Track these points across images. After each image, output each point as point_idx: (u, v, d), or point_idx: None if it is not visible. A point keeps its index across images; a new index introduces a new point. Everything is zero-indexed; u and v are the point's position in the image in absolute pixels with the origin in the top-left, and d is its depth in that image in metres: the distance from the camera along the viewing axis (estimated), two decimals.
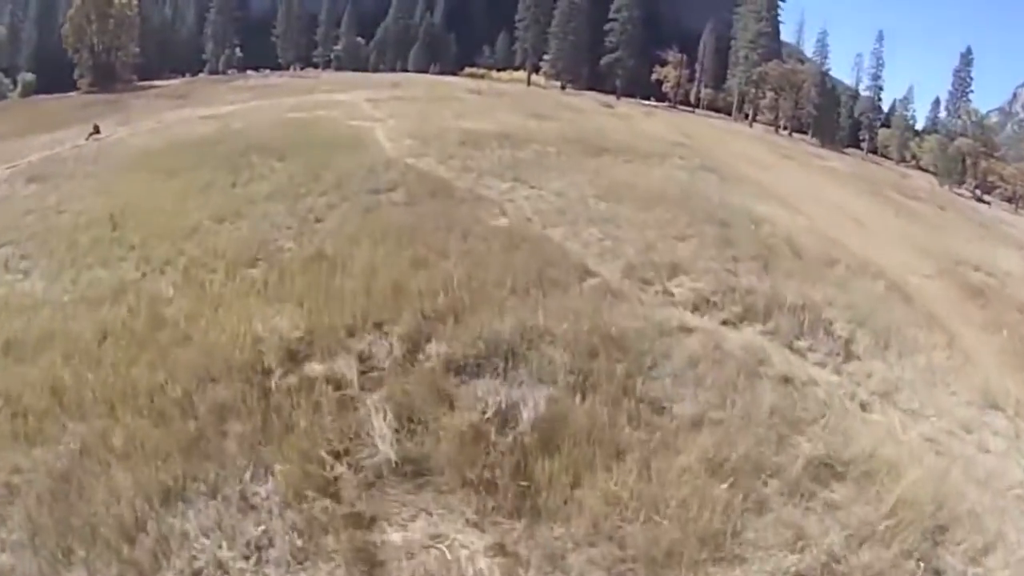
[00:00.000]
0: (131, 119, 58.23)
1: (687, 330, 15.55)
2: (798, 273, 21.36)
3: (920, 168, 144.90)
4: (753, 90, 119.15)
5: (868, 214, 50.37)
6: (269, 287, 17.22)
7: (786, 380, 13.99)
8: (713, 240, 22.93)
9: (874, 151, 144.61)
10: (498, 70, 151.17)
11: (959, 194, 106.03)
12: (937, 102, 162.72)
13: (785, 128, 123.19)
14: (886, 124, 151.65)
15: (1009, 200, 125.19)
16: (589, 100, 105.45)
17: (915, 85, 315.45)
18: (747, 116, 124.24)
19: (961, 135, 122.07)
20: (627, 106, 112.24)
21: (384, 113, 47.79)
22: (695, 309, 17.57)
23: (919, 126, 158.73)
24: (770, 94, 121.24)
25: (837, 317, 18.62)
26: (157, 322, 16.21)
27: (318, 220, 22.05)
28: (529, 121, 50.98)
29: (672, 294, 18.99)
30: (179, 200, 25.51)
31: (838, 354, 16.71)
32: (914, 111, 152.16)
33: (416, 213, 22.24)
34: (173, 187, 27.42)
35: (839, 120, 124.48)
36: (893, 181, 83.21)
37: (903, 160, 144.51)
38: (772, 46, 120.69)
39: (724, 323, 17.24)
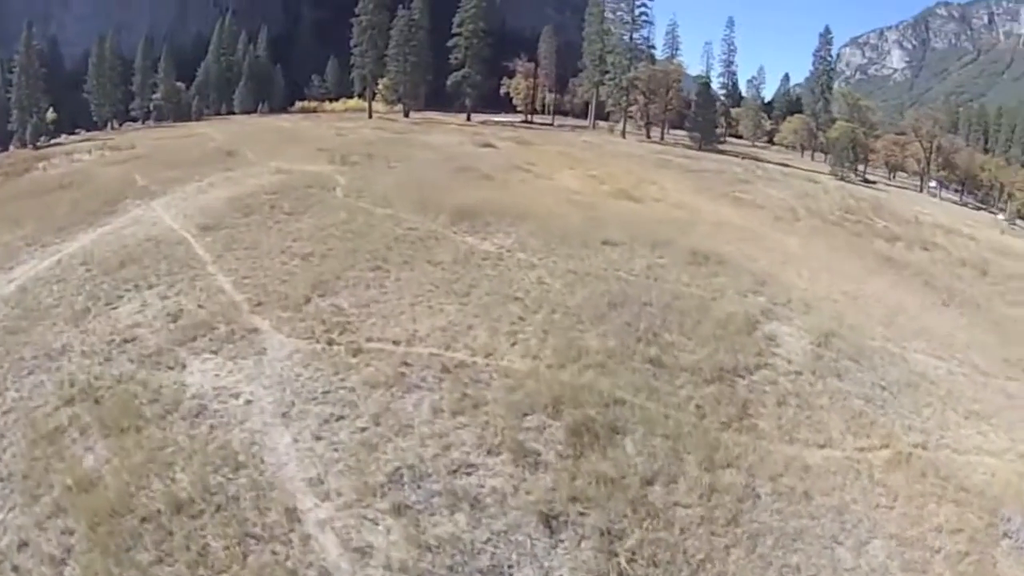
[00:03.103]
0: None
1: None
2: None
3: (772, 142, 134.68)
4: (625, 97, 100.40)
5: (961, 341, 34.39)
6: None
7: None
8: None
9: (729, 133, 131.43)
10: (331, 100, 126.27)
11: (850, 180, 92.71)
12: (787, 78, 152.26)
13: (650, 125, 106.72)
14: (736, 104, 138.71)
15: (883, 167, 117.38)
16: (454, 133, 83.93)
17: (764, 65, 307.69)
18: (617, 122, 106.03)
19: (844, 120, 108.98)
20: (489, 129, 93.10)
21: (235, 275, 27.25)
22: None
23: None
24: (640, 98, 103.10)
25: None
26: None
27: None
28: (483, 242, 33.18)
29: None
30: None
31: None
32: (757, 87, 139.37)
33: None
34: None
35: (716, 117, 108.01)
36: (841, 205, 66.30)
37: (756, 138, 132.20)
38: (639, 48, 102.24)
39: None
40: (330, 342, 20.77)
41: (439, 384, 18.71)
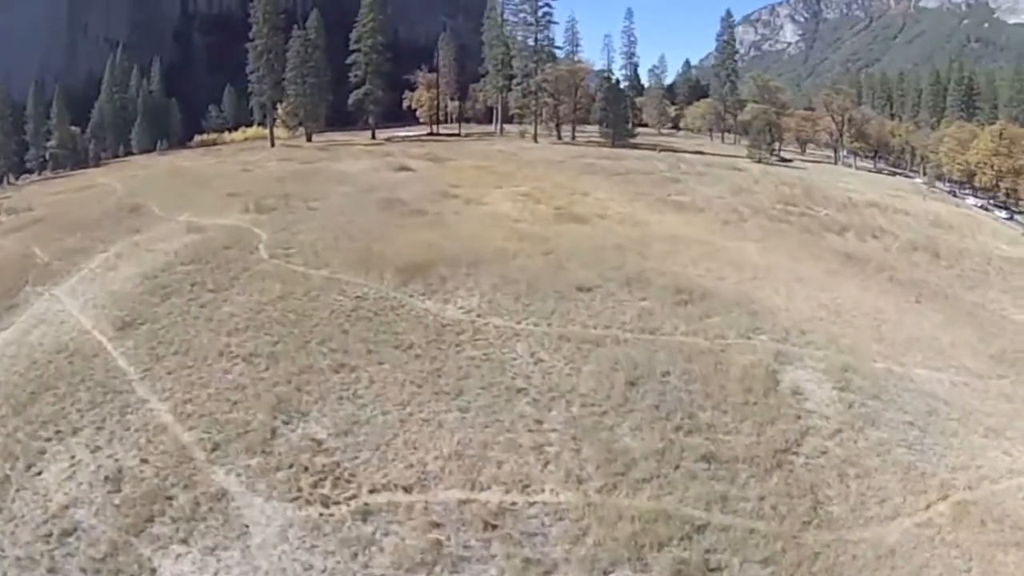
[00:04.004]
0: None
1: None
2: None
3: (677, 128, 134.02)
4: (534, 100, 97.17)
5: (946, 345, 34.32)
6: None
7: None
8: None
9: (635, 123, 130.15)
10: (230, 130, 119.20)
11: (768, 161, 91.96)
12: (687, 64, 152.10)
13: (560, 126, 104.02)
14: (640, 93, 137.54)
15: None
16: (365, 157, 78.76)
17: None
18: (527, 125, 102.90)
19: (753, 101, 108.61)
20: (398, 146, 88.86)
21: (173, 398, 23.32)
22: None
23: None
24: (549, 100, 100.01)
25: None
26: None
27: None
28: (446, 305, 29.54)
29: None
30: None
31: None
32: (659, 75, 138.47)
33: None
34: None
35: (626, 111, 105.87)
36: (776, 195, 64.84)
37: (661, 125, 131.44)
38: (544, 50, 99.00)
39: None
40: (325, 502, 16.65)
41: (488, 549, 15.03)
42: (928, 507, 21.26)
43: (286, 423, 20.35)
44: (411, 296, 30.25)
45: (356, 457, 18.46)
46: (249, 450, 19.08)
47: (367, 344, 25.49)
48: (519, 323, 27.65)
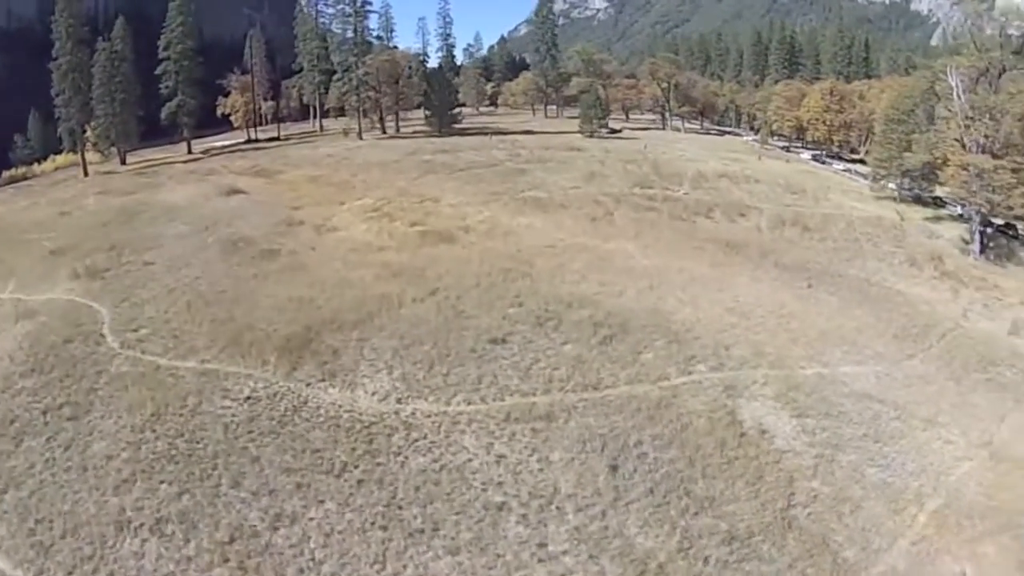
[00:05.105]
0: None
1: None
2: None
3: (495, 105, 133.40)
4: (356, 95, 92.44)
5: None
6: None
7: None
8: None
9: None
10: (39, 160, 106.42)
11: (600, 135, 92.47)
12: (503, 40, 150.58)
13: (384, 119, 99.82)
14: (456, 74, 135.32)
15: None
16: (189, 180, 71.66)
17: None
18: (348, 119, 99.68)
19: (577, 75, 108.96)
20: (219, 161, 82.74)
21: None
22: None
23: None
24: (372, 93, 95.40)
25: None
26: None
27: None
28: (354, 393, 26.98)
29: None
30: None
31: None
32: (472, 54, 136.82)
33: None
34: None
35: (453, 97, 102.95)
36: (628, 177, 64.66)
37: (479, 103, 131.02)
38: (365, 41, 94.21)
39: None
40: None
41: None
42: (912, 522, 22.41)
43: None
44: (308, 385, 26.59)
45: None
46: None
47: (292, 475, 21.80)
48: (448, 404, 25.11)
